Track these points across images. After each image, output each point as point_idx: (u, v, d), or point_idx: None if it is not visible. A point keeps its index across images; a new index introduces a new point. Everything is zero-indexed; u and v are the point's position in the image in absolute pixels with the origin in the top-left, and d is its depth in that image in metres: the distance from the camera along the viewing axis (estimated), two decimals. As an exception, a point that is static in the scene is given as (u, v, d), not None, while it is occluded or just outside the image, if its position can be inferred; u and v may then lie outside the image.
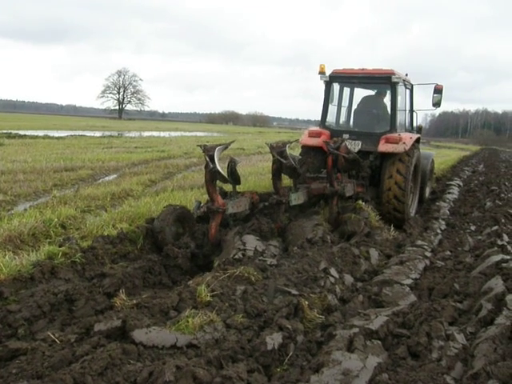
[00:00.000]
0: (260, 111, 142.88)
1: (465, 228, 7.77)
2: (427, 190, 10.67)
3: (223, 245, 5.47)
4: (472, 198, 11.27)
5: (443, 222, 8.11)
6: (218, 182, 5.68)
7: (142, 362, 2.82)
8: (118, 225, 5.95)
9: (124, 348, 2.84)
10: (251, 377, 2.85)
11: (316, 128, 8.88)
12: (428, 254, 5.80)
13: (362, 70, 8.51)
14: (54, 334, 3.14)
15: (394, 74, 8.17)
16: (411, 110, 9.56)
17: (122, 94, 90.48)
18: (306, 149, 8.56)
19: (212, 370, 2.83)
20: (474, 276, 4.94)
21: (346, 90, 9.23)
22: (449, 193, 11.63)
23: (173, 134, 39.89)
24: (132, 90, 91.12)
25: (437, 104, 9.26)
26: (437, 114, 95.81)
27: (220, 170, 5.13)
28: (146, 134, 37.50)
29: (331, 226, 6.69)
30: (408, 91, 9.17)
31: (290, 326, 3.45)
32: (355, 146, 8.18)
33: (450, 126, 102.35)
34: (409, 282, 4.78)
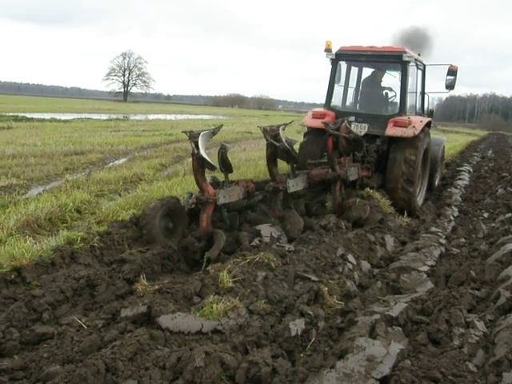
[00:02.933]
0: (265, 94, 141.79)
1: (478, 215, 7.75)
2: (437, 178, 10.12)
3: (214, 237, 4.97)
4: (483, 185, 11.20)
5: (456, 209, 8.08)
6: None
7: (169, 347, 2.86)
8: (133, 210, 5.97)
9: (151, 334, 2.88)
10: (276, 362, 2.90)
11: (320, 109, 8.35)
12: (443, 241, 5.81)
13: (371, 47, 7.99)
14: (80, 319, 3.19)
15: (405, 52, 7.64)
16: (423, 92, 8.98)
17: (127, 76, 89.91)
18: (310, 131, 8.09)
19: (238, 355, 2.88)
20: (490, 264, 4.94)
21: (354, 69, 8.69)
22: (459, 179, 11.57)
23: (179, 116, 39.76)
24: (137, 72, 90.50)
25: (450, 86, 8.68)
26: (444, 98, 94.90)
27: (205, 157, 4.72)
28: (151, 116, 37.44)
29: (336, 212, 6.33)
30: (420, 72, 8.61)
31: (311, 312, 3.49)
32: (361, 128, 7.69)
33: (456, 111, 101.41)
34: (425, 268, 4.80)
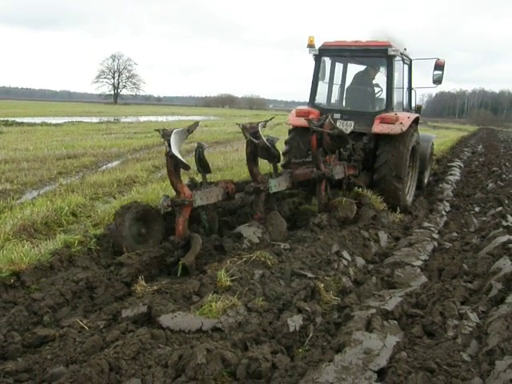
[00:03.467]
0: (256, 94, 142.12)
1: (469, 209, 7.88)
2: (426, 176, 9.88)
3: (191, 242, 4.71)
4: (474, 180, 11.36)
5: (447, 204, 8.20)
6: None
7: (171, 345, 2.92)
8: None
9: (152, 333, 2.94)
10: (275, 357, 2.96)
11: (304, 107, 8.08)
12: (435, 236, 5.92)
13: (356, 42, 7.75)
14: (81, 321, 3.23)
15: (390, 46, 7.42)
16: (410, 88, 8.74)
17: (116, 78, 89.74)
18: (295, 129, 7.90)
19: (238, 352, 2.94)
20: (482, 257, 5.05)
21: (339, 66, 8.52)
22: (450, 174, 11.72)
23: (170, 118, 39.71)
24: (127, 74, 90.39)
25: (438, 81, 8.48)
26: (433, 94, 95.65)
27: (177, 156, 4.43)
28: (142, 118, 37.33)
29: (322, 213, 6.05)
30: (406, 66, 8.38)
31: (308, 308, 3.56)
32: (347, 126, 7.49)
33: (446, 106, 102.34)
34: (419, 263, 4.90)
